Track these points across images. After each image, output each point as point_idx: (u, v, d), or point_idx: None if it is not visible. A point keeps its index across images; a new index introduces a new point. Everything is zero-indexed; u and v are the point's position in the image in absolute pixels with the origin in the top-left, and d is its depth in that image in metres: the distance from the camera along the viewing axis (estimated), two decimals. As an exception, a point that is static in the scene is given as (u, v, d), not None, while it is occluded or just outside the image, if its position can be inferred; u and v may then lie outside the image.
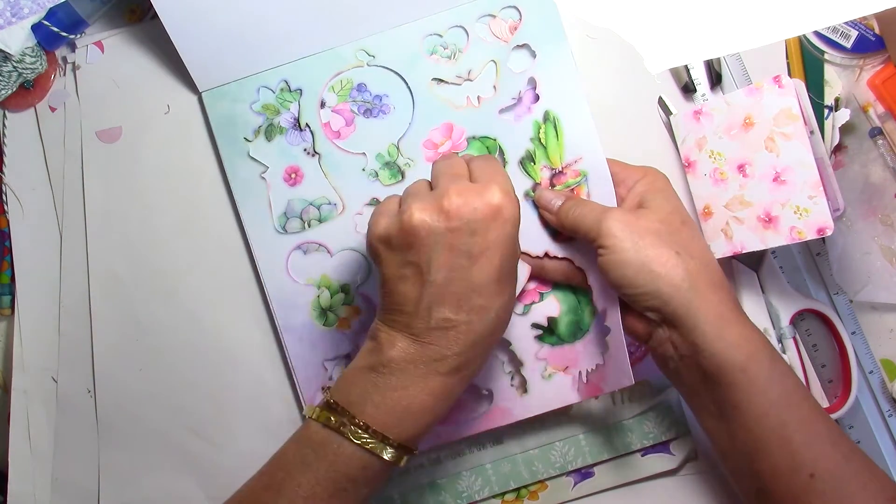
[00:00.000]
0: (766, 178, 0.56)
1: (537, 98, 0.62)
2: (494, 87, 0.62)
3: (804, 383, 0.53)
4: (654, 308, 0.53)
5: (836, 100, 0.65)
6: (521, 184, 0.62)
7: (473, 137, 0.62)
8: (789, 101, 0.54)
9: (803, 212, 0.55)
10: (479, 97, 0.62)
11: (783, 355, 0.61)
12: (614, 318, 0.58)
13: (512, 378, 0.62)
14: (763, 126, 0.55)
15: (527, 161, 0.62)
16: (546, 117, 0.62)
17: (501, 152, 0.62)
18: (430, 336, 0.51)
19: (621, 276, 0.53)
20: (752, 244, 0.57)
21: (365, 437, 0.50)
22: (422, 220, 0.49)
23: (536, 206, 0.60)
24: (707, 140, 0.58)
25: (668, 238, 0.53)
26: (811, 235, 0.55)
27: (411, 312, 0.51)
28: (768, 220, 0.56)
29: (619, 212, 0.54)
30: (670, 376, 0.56)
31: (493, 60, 0.62)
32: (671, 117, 0.59)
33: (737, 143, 0.57)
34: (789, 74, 0.64)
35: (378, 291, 0.53)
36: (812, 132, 0.56)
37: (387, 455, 0.50)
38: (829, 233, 0.54)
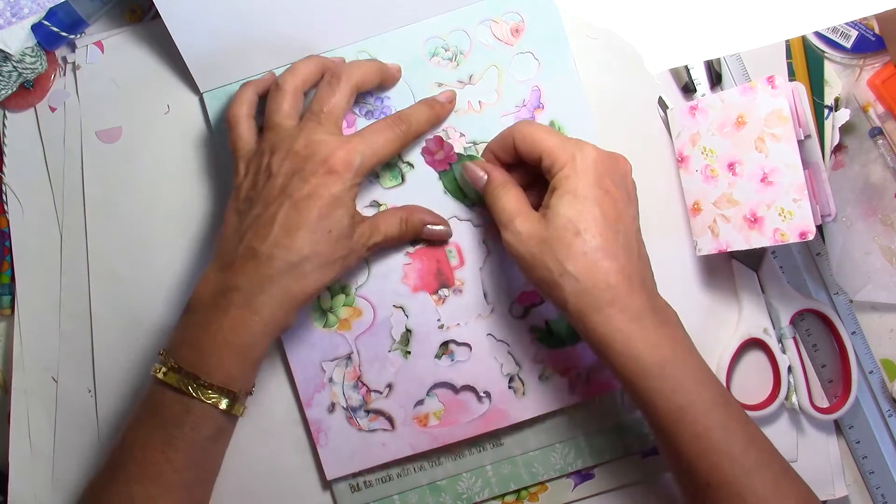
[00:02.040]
0: (754, 178, 0.56)
1: (541, 107, 0.62)
2: (496, 92, 0.62)
3: (718, 389, 0.52)
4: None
5: (836, 100, 0.65)
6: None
7: (461, 155, 0.62)
8: (781, 102, 0.54)
9: (787, 214, 0.55)
10: (480, 102, 0.62)
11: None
12: None
13: (510, 380, 0.62)
14: (754, 126, 0.55)
15: (529, 169, 0.62)
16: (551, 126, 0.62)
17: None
18: (234, 266, 0.53)
19: (525, 278, 0.57)
20: (737, 243, 0.57)
21: (178, 379, 0.52)
22: (267, 163, 0.54)
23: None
24: (700, 136, 0.58)
25: (552, 255, 0.52)
26: (794, 238, 0.55)
27: (228, 237, 0.54)
28: (754, 221, 0.56)
29: (521, 219, 0.54)
30: None
31: (494, 65, 0.62)
32: (668, 111, 0.59)
33: (729, 141, 0.57)
34: (792, 75, 0.64)
35: None
36: (808, 136, 0.56)
37: (203, 396, 0.52)
38: (810, 237, 0.54)
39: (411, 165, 0.63)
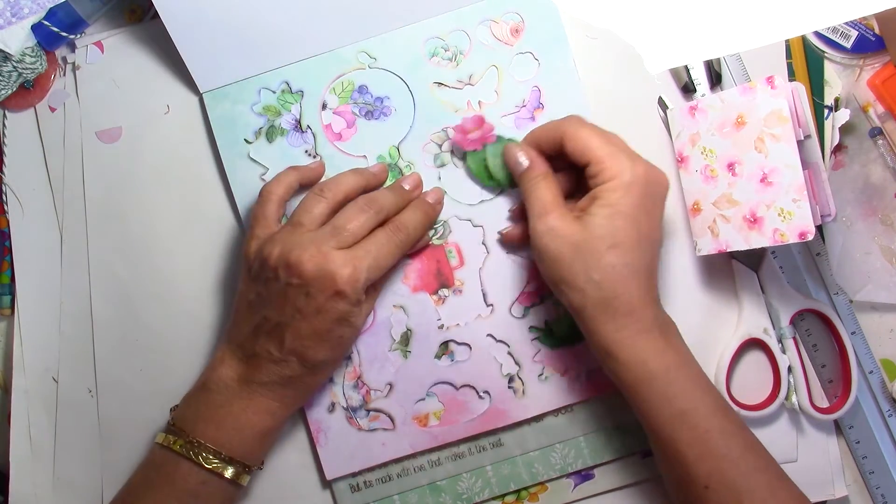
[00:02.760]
0: (754, 179, 0.56)
1: (541, 107, 0.62)
2: (496, 92, 0.62)
3: (717, 396, 0.54)
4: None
5: (836, 100, 0.65)
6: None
7: (501, 137, 0.62)
8: (780, 102, 0.54)
9: (787, 214, 0.55)
10: (480, 102, 0.62)
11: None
12: None
13: (510, 380, 0.62)
14: (754, 126, 0.55)
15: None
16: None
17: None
18: (255, 363, 0.56)
19: (540, 270, 0.56)
20: (737, 244, 0.57)
21: (198, 453, 0.55)
22: (274, 265, 0.54)
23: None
24: (700, 136, 0.58)
25: (584, 262, 0.53)
26: (793, 239, 0.55)
27: (241, 328, 0.56)
28: (753, 221, 0.56)
29: (556, 217, 0.54)
30: None
31: (494, 66, 0.62)
32: (668, 111, 0.59)
33: (728, 141, 0.56)
34: (792, 75, 0.64)
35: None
36: (808, 136, 0.56)
37: (222, 469, 0.55)
38: (810, 237, 0.54)
39: (411, 166, 0.63)
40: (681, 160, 0.59)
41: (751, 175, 0.56)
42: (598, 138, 0.55)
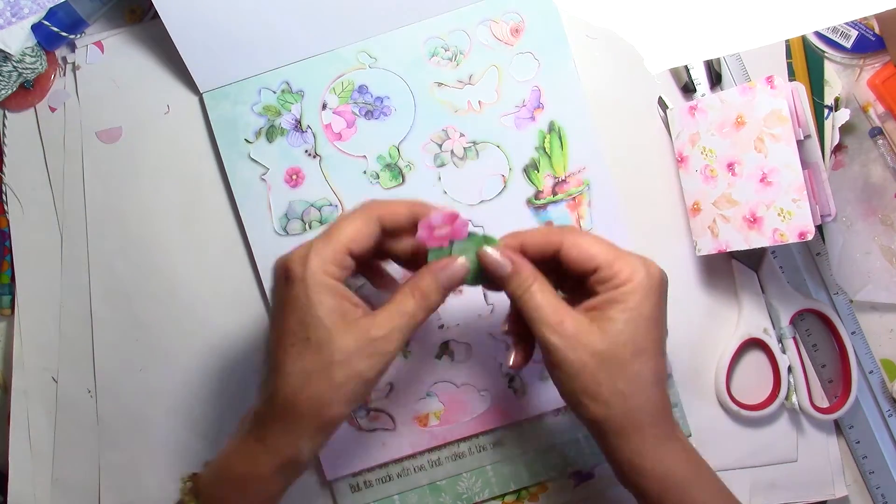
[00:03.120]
0: (754, 179, 0.56)
1: (541, 107, 0.62)
2: (496, 92, 0.62)
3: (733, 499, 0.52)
4: (580, 419, 0.52)
5: (836, 100, 0.65)
6: (525, 191, 0.62)
7: (473, 234, 0.51)
8: (780, 102, 0.53)
9: (787, 214, 0.54)
10: (480, 102, 0.62)
11: (783, 353, 0.62)
12: None
13: (510, 380, 0.63)
14: (753, 126, 0.55)
15: (531, 169, 0.62)
16: (551, 127, 0.62)
17: (506, 158, 0.62)
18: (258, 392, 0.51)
19: (557, 387, 0.51)
20: (737, 243, 0.57)
21: None
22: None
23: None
24: (700, 136, 0.58)
25: (609, 371, 0.49)
26: (793, 238, 0.55)
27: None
28: (753, 221, 0.56)
29: (571, 324, 0.49)
30: None
31: (494, 66, 0.62)
32: (668, 111, 0.59)
33: (728, 141, 0.56)
34: (792, 75, 0.64)
35: None
36: (808, 136, 0.56)
37: None
38: (809, 237, 0.54)
39: (410, 165, 0.63)
40: (681, 160, 0.59)
41: (750, 175, 0.56)
42: (602, 244, 0.51)
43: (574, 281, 0.52)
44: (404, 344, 0.49)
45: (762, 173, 0.55)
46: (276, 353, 0.49)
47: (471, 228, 0.51)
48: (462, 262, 0.50)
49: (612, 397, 0.49)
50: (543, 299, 0.50)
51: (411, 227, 0.51)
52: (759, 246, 0.56)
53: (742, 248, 0.57)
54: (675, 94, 0.64)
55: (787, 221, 0.54)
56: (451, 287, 0.50)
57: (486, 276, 0.51)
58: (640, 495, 0.51)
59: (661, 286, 0.50)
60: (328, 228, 0.49)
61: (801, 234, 0.54)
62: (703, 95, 0.63)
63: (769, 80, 0.53)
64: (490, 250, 0.51)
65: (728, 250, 0.58)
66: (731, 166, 0.57)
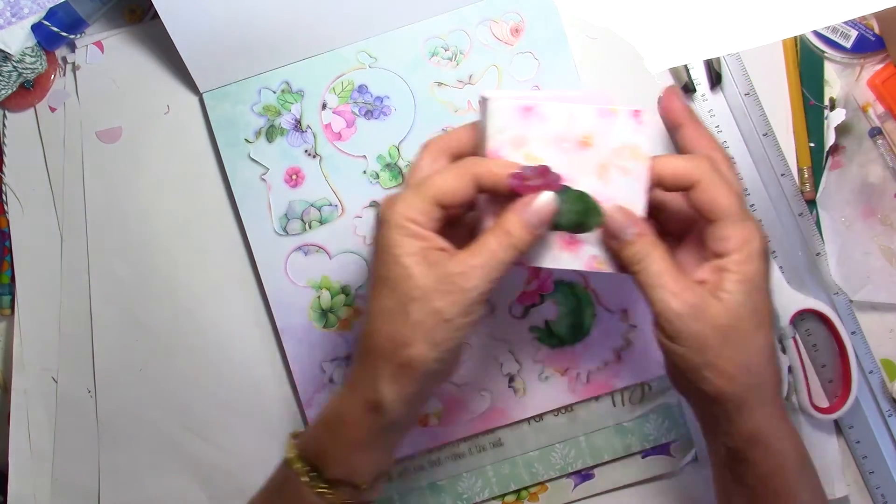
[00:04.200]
0: None
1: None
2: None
3: (824, 497, 0.52)
4: (695, 395, 0.50)
5: (832, 100, 0.65)
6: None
7: (567, 188, 0.49)
8: (641, 139, 0.48)
9: None
10: (480, 102, 0.62)
11: (786, 359, 0.62)
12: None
13: (510, 380, 0.63)
14: (601, 151, 0.49)
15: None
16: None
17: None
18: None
19: (670, 357, 0.49)
20: (543, 261, 0.51)
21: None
22: None
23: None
24: (528, 141, 0.49)
25: (735, 345, 0.47)
26: (611, 270, 0.50)
27: None
28: (570, 243, 0.50)
29: (693, 294, 0.47)
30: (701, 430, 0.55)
31: (494, 65, 0.62)
32: (488, 102, 0.49)
33: (564, 157, 0.49)
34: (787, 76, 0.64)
35: None
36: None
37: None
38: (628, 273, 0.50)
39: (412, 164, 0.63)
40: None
41: None
42: (733, 196, 0.48)
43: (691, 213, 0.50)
44: (487, 284, 0.46)
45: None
46: (368, 296, 0.49)
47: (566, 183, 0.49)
48: (547, 196, 0.48)
49: (737, 371, 0.47)
50: (665, 266, 0.48)
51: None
52: (569, 268, 0.51)
53: (549, 266, 0.51)
54: (674, 94, 0.64)
55: (610, 253, 0.50)
56: (536, 224, 0.47)
57: (580, 226, 0.49)
58: (749, 474, 0.50)
59: (767, 255, 0.49)
60: (423, 180, 0.48)
61: (622, 269, 0.50)
62: (703, 95, 0.63)
63: (637, 113, 0.48)
64: (616, 210, 0.48)
65: (530, 265, 0.52)
66: None
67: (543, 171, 0.48)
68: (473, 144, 0.50)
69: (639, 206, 0.49)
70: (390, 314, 0.47)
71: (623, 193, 0.49)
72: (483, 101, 0.49)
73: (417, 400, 0.49)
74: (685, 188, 0.49)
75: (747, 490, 0.50)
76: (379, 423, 0.48)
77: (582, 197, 0.49)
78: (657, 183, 0.49)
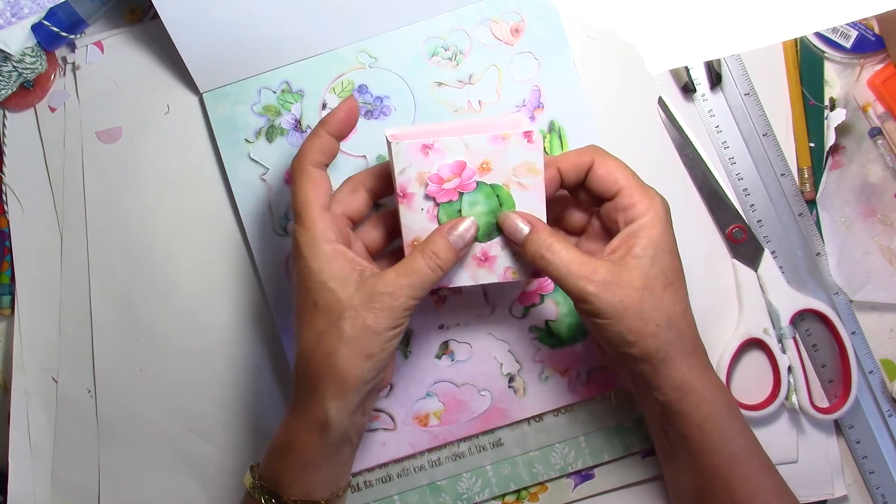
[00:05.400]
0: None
1: (541, 107, 0.62)
2: (496, 91, 0.62)
3: (757, 442, 0.54)
4: (624, 360, 0.53)
5: (832, 100, 0.65)
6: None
7: (481, 184, 0.53)
8: (535, 156, 0.52)
9: (522, 257, 0.54)
10: (480, 101, 0.62)
11: (784, 352, 0.62)
12: None
13: (510, 380, 0.63)
14: (500, 173, 0.52)
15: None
16: (551, 127, 0.62)
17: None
18: None
19: (596, 333, 0.53)
20: (462, 280, 0.55)
21: None
22: None
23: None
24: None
25: (650, 305, 0.51)
26: (524, 277, 0.54)
27: None
28: (484, 260, 0.54)
29: (602, 271, 0.50)
30: (634, 395, 0.58)
31: (494, 65, 0.62)
32: (392, 145, 0.52)
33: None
34: (787, 77, 0.64)
35: None
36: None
37: None
38: (543, 276, 0.54)
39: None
40: (403, 196, 0.53)
41: None
42: (626, 169, 0.53)
43: (591, 203, 0.56)
44: (413, 301, 0.51)
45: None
46: (295, 326, 0.52)
47: (479, 178, 0.53)
48: (470, 222, 0.52)
49: (657, 329, 0.51)
50: (568, 254, 0.51)
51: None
52: (488, 282, 0.55)
53: (467, 284, 0.55)
54: (675, 95, 0.64)
55: (521, 261, 0.54)
56: (462, 246, 0.52)
57: (499, 229, 0.53)
58: (681, 425, 0.53)
59: (670, 216, 0.53)
60: (330, 204, 0.53)
61: (535, 273, 0.54)
62: (703, 96, 0.63)
63: (528, 134, 0.51)
64: (509, 215, 0.53)
65: (449, 286, 0.55)
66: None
67: (458, 168, 0.52)
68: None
69: (540, 215, 0.53)
70: (323, 336, 0.50)
71: (524, 206, 0.53)
72: (387, 143, 0.52)
73: (360, 412, 0.53)
74: (584, 174, 0.54)
75: (684, 441, 0.53)
76: (328, 441, 0.51)
77: (495, 189, 0.53)
78: (559, 183, 0.55)
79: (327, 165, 0.54)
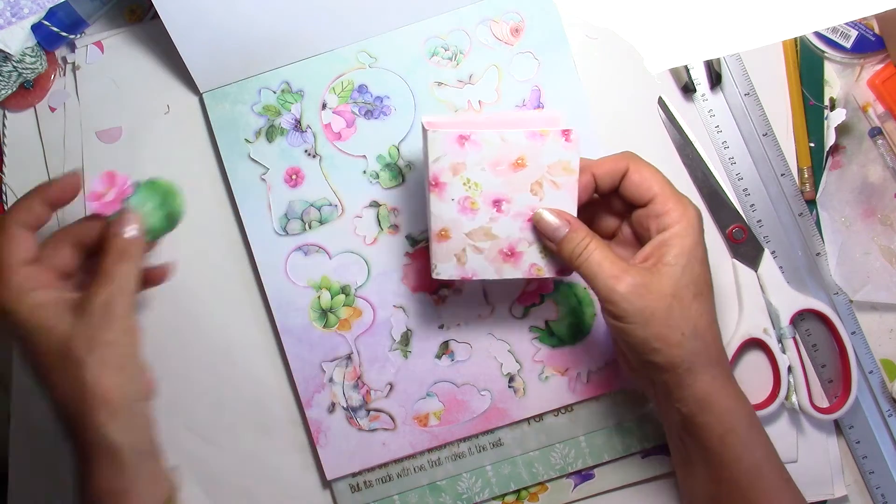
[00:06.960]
0: (521, 217, 0.54)
1: (541, 106, 0.62)
2: (496, 91, 0.62)
3: (776, 453, 0.54)
4: (647, 368, 0.53)
5: (832, 100, 0.65)
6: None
7: (138, 184, 0.54)
8: (571, 155, 0.52)
9: (549, 254, 0.54)
10: (480, 101, 0.62)
11: (784, 350, 0.62)
12: None
13: (510, 380, 0.63)
14: (535, 170, 0.53)
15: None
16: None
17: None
18: None
19: (621, 338, 0.53)
20: (486, 273, 0.55)
21: None
22: None
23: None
24: (466, 167, 0.54)
25: (678, 313, 0.51)
26: (550, 274, 0.55)
27: None
28: (510, 255, 0.55)
29: (633, 274, 0.51)
30: (654, 404, 0.58)
31: (494, 65, 0.62)
32: (428, 133, 0.53)
33: (501, 179, 0.54)
34: (787, 76, 0.64)
35: None
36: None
37: None
38: (569, 274, 0.55)
39: (410, 165, 0.63)
40: (435, 185, 0.54)
41: (518, 214, 0.54)
42: (661, 176, 0.53)
43: (622, 209, 0.56)
44: (131, 298, 0.51)
45: (532, 214, 0.54)
46: (43, 383, 0.51)
47: (133, 178, 0.53)
48: (128, 232, 0.52)
49: (683, 338, 0.51)
50: (603, 255, 0.52)
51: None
52: (512, 278, 0.55)
53: (491, 279, 0.56)
54: (675, 94, 0.64)
55: (548, 258, 0.54)
56: (132, 253, 0.52)
57: (171, 219, 0.55)
58: (703, 436, 0.53)
59: (702, 226, 0.53)
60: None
61: (560, 271, 0.55)
62: (703, 95, 0.63)
63: (566, 132, 0.52)
64: (545, 213, 0.53)
65: (473, 279, 0.56)
66: (497, 202, 0.54)
67: (108, 179, 0.53)
68: (93, 236, 0.53)
69: (572, 213, 0.53)
70: (68, 371, 0.49)
71: (556, 204, 0.53)
72: (423, 130, 0.53)
73: (139, 423, 0.52)
74: (619, 180, 0.54)
75: (704, 452, 0.53)
76: (123, 463, 0.50)
77: (153, 185, 0.54)
78: (594, 188, 0.55)
79: (37, 229, 0.53)
